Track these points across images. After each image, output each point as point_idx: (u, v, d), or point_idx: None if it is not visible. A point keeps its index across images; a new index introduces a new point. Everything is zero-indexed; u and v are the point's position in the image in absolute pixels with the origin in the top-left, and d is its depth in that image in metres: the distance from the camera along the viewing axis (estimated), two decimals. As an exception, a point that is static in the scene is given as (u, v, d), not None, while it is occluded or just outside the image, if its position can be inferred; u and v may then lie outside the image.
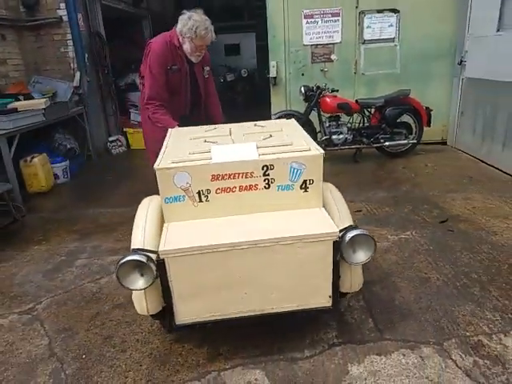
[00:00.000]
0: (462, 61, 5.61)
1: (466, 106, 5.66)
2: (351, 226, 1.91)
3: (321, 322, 2.31)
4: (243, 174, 1.93)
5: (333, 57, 5.99)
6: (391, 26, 5.86)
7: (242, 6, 11.50)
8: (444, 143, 6.28)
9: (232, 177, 1.93)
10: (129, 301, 2.49)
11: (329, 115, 5.45)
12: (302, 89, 5.40)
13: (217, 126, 2.56)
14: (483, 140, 5.22)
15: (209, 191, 1.94)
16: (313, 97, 5.34)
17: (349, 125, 5.44)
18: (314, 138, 5.08)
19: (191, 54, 2.95)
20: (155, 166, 1.91)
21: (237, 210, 1.99)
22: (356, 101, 5.44)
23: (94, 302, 2.67)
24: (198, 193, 1.94)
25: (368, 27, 5.87)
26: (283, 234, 1.80)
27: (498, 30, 4.80)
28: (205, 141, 2.15)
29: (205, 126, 2.57)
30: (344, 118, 5.44)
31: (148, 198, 2.36)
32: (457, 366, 1.96)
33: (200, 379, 1.99)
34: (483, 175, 4.72)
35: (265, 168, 1.92)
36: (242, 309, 1.92)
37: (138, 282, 1.89)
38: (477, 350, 2.05)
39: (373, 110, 5.50)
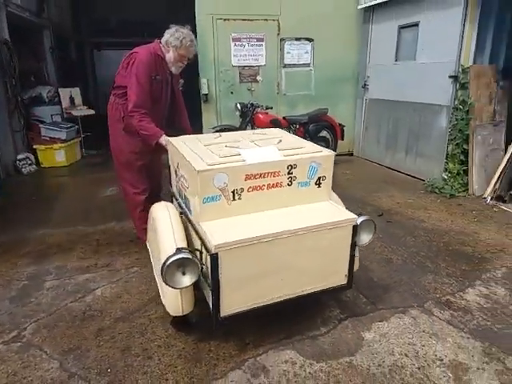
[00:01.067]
0: (365, 84, 6.61)
1: (370, 122, 6.65)
2: (358, 213, 2.27)
3: (321, 304, 2.62)
4: (271, 173, 2.16)
5: (258, 78, 6.48)
6: (307, 52, 6.62)
7: (156, 22, 11.36)
8: (351, 154, 7.22)
9: (262, 176, 2.14)
10: (129, 313, 2.50)
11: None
12: (238, 105, 5.75)
13: (220, 134, 2.72)
14: (387, 149, 6.22)
15: (242, 190, 2.12)
16: (248, 113, 5.72)
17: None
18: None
19: (173, 64, 3.05)
20: (197, 168, 1.99)
21: (264, 206, 2.20)
22: (284, 117, 5.99)
23: (88, 319, 2.54)
24: (233, 192, 2.10)
25: (288, 53, 6.53)
26: (314, 222, 2.08)
27: (396, 61, 5.84)
28: (226, 146, 2.31)
29: (210, 135, 2.71)
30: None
31: (161, 203, 2.41)
32: (440, 319, 2.46)
33: (240, 367, 2.11)
34: (394, 178, 5.64)
35: (289, 167, 2.19)
36: (279, 294, 2.12)
37: (184, 280, 1.97)
38: (448, 306, 2.59)
39: (298, 126, 6.10)
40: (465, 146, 4.75)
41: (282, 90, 6.67)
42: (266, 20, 6.34)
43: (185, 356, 2.20)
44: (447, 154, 4.96)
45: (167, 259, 1.93)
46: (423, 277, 2.94)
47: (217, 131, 5.42)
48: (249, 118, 5.74)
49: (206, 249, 1.95)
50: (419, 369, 2.06)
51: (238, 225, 2.07)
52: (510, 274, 2.95)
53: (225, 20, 6.15)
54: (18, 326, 2.48)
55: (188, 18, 8.25)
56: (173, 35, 2.94)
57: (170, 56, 3.00)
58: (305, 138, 6.01)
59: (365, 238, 2.29)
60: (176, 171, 2.52)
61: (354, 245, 2.21)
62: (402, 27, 5.67)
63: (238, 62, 6.35)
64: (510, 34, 4.72)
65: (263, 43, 6.38)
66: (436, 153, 5.15)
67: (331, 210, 2.25)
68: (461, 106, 4.71)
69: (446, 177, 4.92)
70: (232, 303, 2.02)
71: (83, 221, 4.14)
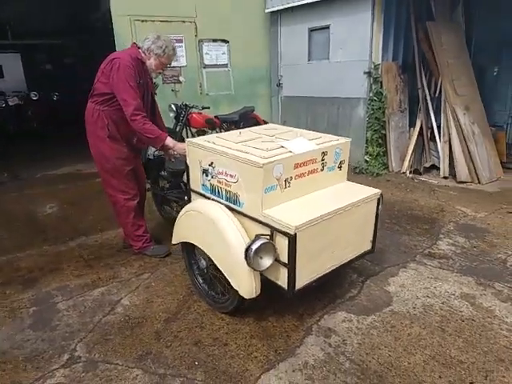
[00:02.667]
0: (279, 83, 7.21)
1: (287, 117, 7.29)
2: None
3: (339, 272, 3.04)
4: (311, 160, 2.47)
5: (181, 78, 6.53)
6: (224, 53, 6.91)
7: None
8: (271, 148, 7.78)
9: (305, 164, 2.43)
10: (174, 313, 2.60)
11: (196, 130, 5.99)
12: (173, 106, 5.75)
13: (241, 131, 2.89)
14: (310, 141, 6.93)
15: (291, 178, 2.38)
16: (183, 113, 5.77)
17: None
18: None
19: (154, 71, 3.11)
20: (262, 162, 2.18)
21: (306, 190, 2.49)
22: (216, 117, 6.19)
23: (137, 327, 2.51)
24: (285, 180, 2.35)
25: (207, 54, 6.73)
26: (355, 198, 2.47)
27: (309, 60, 6.54)
28: (262, 141, 2.53)
29: (230, 133, 2.86)
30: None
31: (203, 202, 2.50)
32: (433, 266, 3.10)
33: (310, 333, 2.40)
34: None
35: (322, 154, 2.53)
36: (331, 264, 2.46)
37: (265, 263, 2.17)
38: (432, 256, 3.27)
39: (229, 125, 6.37)
40: (382, 131, 5.67)
41: (204, 90, 6.85)
42: (184, 22, 6.44)
43: (256, 335, 2.39)
44: (367, 140, 5.84)
45: (251, 245, 2.11)
46: (401, 238, 3.59)
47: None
48: (184, 118, 5.80)
49: (281, 232, 2.17)
50: (443, 303, 2.64)
51: (295, 208, 2.33)
52: (459, 226, 3.80)
53: (143, 21, 6.07)
54: (64, 349, 2.33)
55: (97, 19, 7.87)
56: (155, 43, 2.99)
57: (150, 63, 3.05)
58: (237, 134, 6.36)
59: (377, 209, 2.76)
60: (207, 170, 2.62)
61: (377, 215, 2.66)
62: (312, 30, 6.38)
63: (161, 63, 6.31)
64: (405, 35, 5.77)
65: (183, 44, 6.46)
66: (356, 139, 5.97)
67: (358, 188, 2.67)
68: (375, 98, 5.61)
69: (367, 159, 5.80)
70: (303, 277, 2.29)
71: (44, 241, 3.79)
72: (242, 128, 6.23)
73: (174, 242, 2.80)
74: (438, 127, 5.56)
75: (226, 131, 6.27)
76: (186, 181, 3.20)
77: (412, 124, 5.88)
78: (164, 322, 2.55)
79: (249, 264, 2.13)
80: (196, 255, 2.80)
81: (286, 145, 2.44)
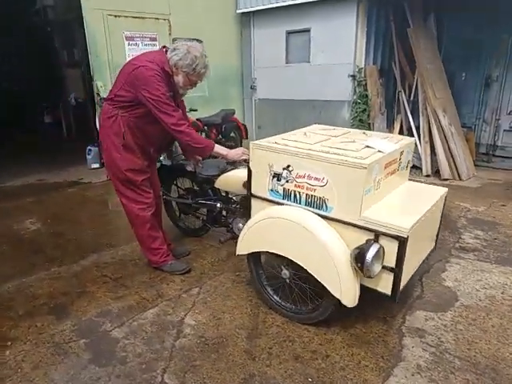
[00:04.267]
0: (253, 85, 7.13)
1: (263, 120, 7.24)
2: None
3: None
4: (394, 160, 2.44)
5: (156, 79, 6.14)
6: (198, 53, 6.64)
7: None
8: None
9: (390, 164, 2.40)
10: (251, 328, 2.44)
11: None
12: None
13: (305, 131, 2.76)
14: (288, 143, 6.94)
15: (381, 178, 2.33)
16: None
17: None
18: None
19: (182, 88, 2.77)
20: (364, 163, 2.09)
21: (387, 190, 2.46)
22: (198, 119, 5.93)
23: (221, 348, 2.27)
24: (378, 181, 2.30)
25: (181, 53, 6.41)
26: (436, 197, 2.50)
27: (287, 63, 6.56)
28: (341, 142, 2.44)
29: (294, 133, 2.72)
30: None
31: (290, 209, 2.35)
32: (471, 259, 3.26)
33: (403, 335, 2.37)
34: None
35: (401, 154, 2.52)
36: (417, 265, 2.46)
37: (376, 269, 2.10)
38: (465, 250, 3.43)
39: (211, 127, 6.15)
40: (367, 133, 5.85)
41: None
42: (158, 19, 6.11)
43: (353, 344, 2.29)
44: (351, 141, 5.99)
45: (365, 253, 2.02)
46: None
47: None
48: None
49: (389, 235, 2.09)
50: (503, 293, 2.77)
51: (390, 209, 2.27)
52: (470, 220, 4.05)
53: (116, 16, 5.62)
54: (149, 383, 2.01)
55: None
56: (183, 59, 2.60)
57: (178, 80, 2.68)
58: (219, 138, 6.15)
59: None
60: (279, 174, 2.45)
61: (442, 213, 2.72)
62: (290, 32, 6.41)
63: (134, 63, 5.91)
64: (383, 40, 6.05)
65: (156, 43, 6.12)
66: (340, 140, 6.12)
67: (425, 187, 2.73)
68: (359, 100, 5.79)
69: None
70: (404, 280, 2.25)
71: (49, 262, 3.29)
72: (224, 131, 6.17)
73: (241, 252, 2.59)
74: (417, 128, 5.89)
75: (206, 134, 6.07)
76: (217, 187, 3.15)
77: (388, 126, 6.17)
78: (247, 338, 2.34)
79: (365, 273, 2.03)
80: (261, 265, 2.63)
81: (371, 144, 2.38)
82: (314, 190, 2.33)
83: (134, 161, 2.80)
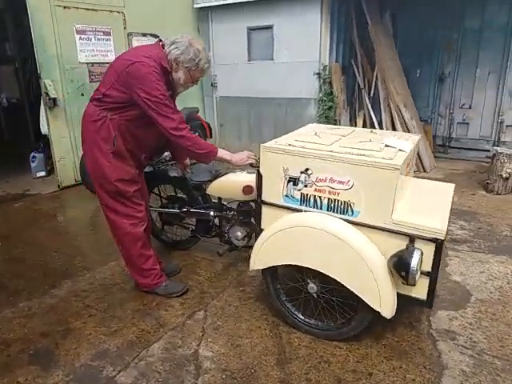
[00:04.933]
0: (213, 83, 6.81)
1: (225, 118, 6.94)
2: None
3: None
4: (410, 158, 2.34)
5: (108, 78, 5.62)
6: (153, 50, 6.19)
7: None
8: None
9: (408, 163, 2.29)
10: (278, 351, 2.24)
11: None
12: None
13: (316, 131, 2.54)
14: (251, 143, 6.71)
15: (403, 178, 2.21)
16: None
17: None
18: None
19: (182, 85, 2.45)
20: (396, 163, 1.94)
21: (405, 189, 2.34)
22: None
23: (252, 381, 2.00)
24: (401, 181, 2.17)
25: (135, 49, 5.94)
26: (450, 193, 2.44)
27: (249, 60, 6.33)
28: (360, 141, 2.28)
29: (305, 133, 2.50)
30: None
31: (307, 221, 2.14)
32: (467, 251, 3.28)
33: (435, 339, 2.28)
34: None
35: (413, 151, 2.42)
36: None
37: (417, 276, 1.96)
38: (457, 241, 3.45)
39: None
40: (333, 130, 5.82)
41: (134, 91, 6.04)
42: (111, 11, 5.56)
43: (390, 356, 2.15)
44: (317, 138, 5.93)
45: (410, 260, 1.87)
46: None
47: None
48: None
49: (425, 238, 1.96)
50: (508, 283, 2.81)
51: (416, 209, 2.14)
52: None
53: (65, 8, 5.01)
54: None
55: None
56: (185, 53, 2.31)
57: (178, 77, 2.38)
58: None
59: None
60: (296, 178, 2.23)
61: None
62: (252, 29, 6.18)
63: (86, 59, 5.32)
64: (344, 37, 6.04)
65: (111, 37, 5.58)
66: (306, 138, 6.04)
67: (434, 183, 2.65)
68: (325, 98, 5.73)
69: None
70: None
71: (12, 296, 2.78)
72: (192, 128, 5.80)
73: (256, 267, 2.33)
74: (379, 123, 5.98)
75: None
76: (209, 193, 2.94)
77: (350, 122, 6.20)
78: (277, 365, 2.09)
79: (411, 281, 1.88)
80: (278, 280, 2.40)
81: (389, 143, 2.25)
82: (338, 193, 2.14)
83: (125, 169, 2.44)
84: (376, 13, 5.94)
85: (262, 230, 2.41)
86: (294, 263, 2.21)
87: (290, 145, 2.26)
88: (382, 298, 2.01)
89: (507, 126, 5.74)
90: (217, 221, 3.01)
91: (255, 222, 2.47)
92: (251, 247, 2.91)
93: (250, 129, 6.71)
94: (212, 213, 2.99)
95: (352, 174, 2.06)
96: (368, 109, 6.06)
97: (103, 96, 2.34)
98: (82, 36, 5.20)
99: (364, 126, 6.05)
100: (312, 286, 2.25)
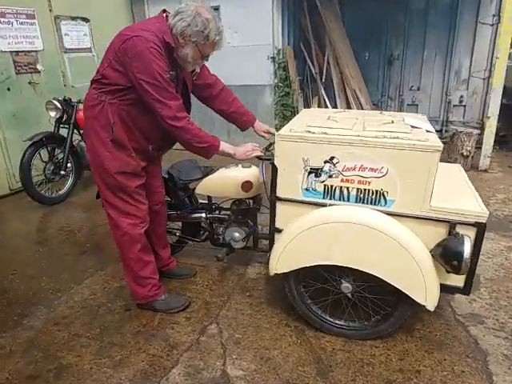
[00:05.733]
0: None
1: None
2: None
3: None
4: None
5: (39, 67, 4.87)
6: (86, 35, 5.52)
7: None
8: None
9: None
10: (314, 359, 2.10)
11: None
12: (56, 103, 4.25)
13: (329, 115, 2.31)
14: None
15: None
16: (70, 112, 4.37)
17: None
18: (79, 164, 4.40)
19: (189, 63, 2.10)
20: (437, 145, 1.81)
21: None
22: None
23: None
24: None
25: (66, 35, 5.21)
26: (463, 174, 2.39)
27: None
28: (384, 123, 2.11)
29: (316, 116, 2.27)
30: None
31: (340, 216, 1.95)
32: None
33: (466, 326, 2.24)
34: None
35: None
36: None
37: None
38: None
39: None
40: (292, 117, 5.66)
41: (69, 81, 5.32)
42: (33, -10, 4.81)
43: (430, 349, 2.06)
44: (276, 128, 5.75)
45: (461, 248, 1.76)
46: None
47: (36, 141, 3.97)
48: (73, 118, 4.38)
49: (467, 224, 1.86)
50: (506, 259, 2.88)
51: (445, 193, 2.04)
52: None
53: (-23, -16, 4.21)
54: None
55: None
56: (192, 25, 1.94)
57: (185, 53, 2.02)
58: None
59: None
60: (319, 169, 2.02)
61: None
62: (195, 11, 5.75)
63: (10, 47, 4.53)
64: (293, 20, 5.88)
65: (35, 21, 4.82)
66: (264, 127, 5.83)
67: (442, 165, 2.59)
68: (281, 84, 5.55)
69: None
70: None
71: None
72: None
73: (281, 270, 2.09)
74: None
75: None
76: (199, 192, 2.64)
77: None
78: (320, 376, 1.89)
79: (463, 270, 1.78)
80: (302, 282, 2.18)
81: (414, 124, 2.13)
82: (369, 182, 1.97)
83: (126, 161, 2.12)
84: (325, -4, 5.86)
85: (276, 230, 2.18)
86: (328, 263, 2.00)
87: (309, 132, 2.03)
88: (427, 290, 1.89)
89: (454, 105, 6.04)
90: (207, 222, 2.72)
91: (269, 222, 2.21)
92: (249, 248, 2.71)
93: (201, 120, 6.30)
94: (203, 214, 2.69)
95: (387, 159, 1.90)
96: (322, 94, 6.01)
97: (101, 77, 2.02)
98: (2, 19, 4.42)
99: (320, 111, 5.99)
100: (347, 286, 2.06)
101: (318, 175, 2.03)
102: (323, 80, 6.06)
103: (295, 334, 2.18)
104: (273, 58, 5.48)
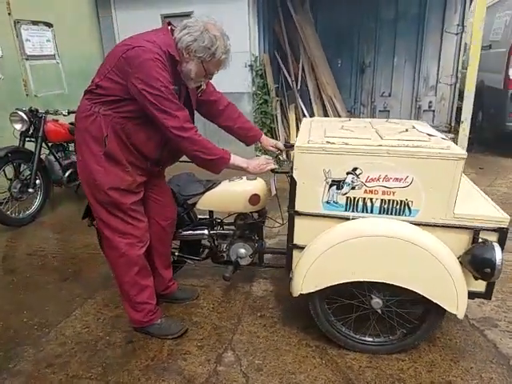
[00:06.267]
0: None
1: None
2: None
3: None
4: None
5: (-2, 75, 4.49)
6: (49, 41, 5.18)
7: None
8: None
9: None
10: (345, 381, 2.00)
11: (51, 145, 4.28)
12: (22, 114, 3.88)
13: (342, 124, 2.22)
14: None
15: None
16: (37, 124, 4.02)
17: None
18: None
19: (193, 79, 1.97)
20: (461, 153, 1.77)
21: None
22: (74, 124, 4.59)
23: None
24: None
25: (27, 40, 4.86)
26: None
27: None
28: (399, 132, 2.06)
29: (330, 126, 2.17)
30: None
31: (371, 229, 1.87)
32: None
33: (483, 331, 2.21)
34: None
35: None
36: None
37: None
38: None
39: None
40: (271, 125, 5.60)
41: (31, 90, 4.96)
42: (-11, -8, 4.43)
43: (454, 357, 2.02)
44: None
45: (493, 255, 1.73)
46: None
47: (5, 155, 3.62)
48: (41, 131, 4.03)
49: (490, 230, 1.84)
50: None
51: (461, 199, 2.04)
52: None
53: None
54: None
55: None
56: (198, 40, 1.83)
57: (189, 69, 1.90)
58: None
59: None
60: (342, 181, 1.92)
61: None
62: (167, 17, 5.55)
63: (-35, 54, 4.16)
64: (268, 28, 5.82)
65: (-7, 26, 4.46)
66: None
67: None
68: (259, 92, 5.47)
69: (259, 154, 5.65)
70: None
71: None
72: None
73: (307, 290, 1.94)
74: (311, 116, 5.95)
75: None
76: (201, 208, 2.48)
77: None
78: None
79: (495, 277, 1.75)
80: (325, 300, 2.06)
81: (431, 132, 2.10)
82: (393, 193, 1.91)
83: (120, 176, 1.96)
84: (298, 3, 5.86)
85: (294, 247, 2.06)
86: (359, 279, 1.90)
87: (329, 142, 1.94)
88: (459, 300, 1.86)
89: (424, 110, 6.23)
90: (210, 239, 2.55)
91: (287, 238, 2.07)
92: (255, 264, 2.57)
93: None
94: (206, 231, 2.52)
95: (411, 168, 1.85)
96: (298, 101, 5.99)
97: (96, 87, 1.87)
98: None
99: (297, 119, 5.97)
100: (377, 302, 1.97)
101: (339, 187, 1.94)
102: (298, 87, 6.04)
103: (318, 353, 2.06)
104: (250, 65, 5.38)
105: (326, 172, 1.92)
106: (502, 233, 1.83)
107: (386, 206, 1.93)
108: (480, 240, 1.85)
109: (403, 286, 1.85)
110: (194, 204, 2.49)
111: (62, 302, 2.57)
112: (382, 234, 1.84)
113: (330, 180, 1.93)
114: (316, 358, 2.04)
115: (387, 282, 1.87)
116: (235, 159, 2.07)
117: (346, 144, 1.90)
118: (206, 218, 2.58)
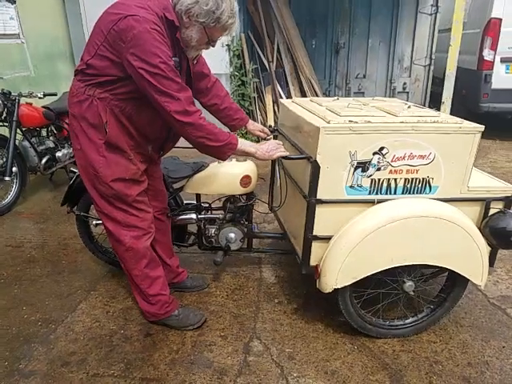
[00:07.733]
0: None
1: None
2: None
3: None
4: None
5: (-45, 55, 4.06)
6: (12, 18, 4.73)
7: None
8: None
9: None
10: (382, 367, 1.93)
11: (25, 130, 3.98)
12: (-4, 97, 3.56)
13: (347, 104, 2.15)
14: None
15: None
16: (12, 108, 3.71)
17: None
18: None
19: (194, 47, 1.77)
20: (478, 126, 1.81)
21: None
22: (47, 107, 4.24)
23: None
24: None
25: (-13, 16, 4.41)
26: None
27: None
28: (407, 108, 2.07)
29: (335, 105, 2.11)
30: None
31: (411, 211, 1.84)
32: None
33: (487, 304, 2.30)
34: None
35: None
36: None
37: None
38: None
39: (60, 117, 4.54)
40: (250, 108, 5.49)
41: (-6, 72, 4.55)
42: None
43: (485, 337, 2.08)
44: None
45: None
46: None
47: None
48: (15, 115, 3.71)
49: (499, 200, 1.91)
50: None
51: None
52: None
53: None
54: None
55: None
56: (202, 2, 1.60)
57: (190, 36, 1.70)
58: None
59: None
60: (367, 162, 1.86)
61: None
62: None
63: None
64: (242, 6, 5.64)
65: None
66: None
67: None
68: (236, 73, 5.32)
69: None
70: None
71: None
72: None
73: (342, 284, 1.86)
74: (287, 98, 5.89)
75: (59, 128, 4.50)
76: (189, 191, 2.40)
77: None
78: (395, 383, 1.79)
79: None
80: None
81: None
82: (417, 171, 1.91)
83: (124, 166, 1.81)
84: (273, -19, 5.71)
85: (314, 237, 1.93)
86: (399, 264, 1.87)
87: (351, 121, 1.87)
88: (484, 270, 1.92)
89: (398, 92, 6.34)
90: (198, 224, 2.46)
91: (305, 228, 1.93)
92: (244, 249, 2.47)
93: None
94: (194, 216, 2.42)
95: (434, 144, 1.85)
96: (275, 83, 5.89)
97: (87, 67, 1.67)
98: None
99: (273, 102, 5.88)
100: (410, 285, 1.96)
101: (364, 169, 1.89)
102: (274, 69, 5.94)
103: (348, 339, 2.04)
104: (228, 45, 5.21)
105: (352, 154, 1.85)
106: (507, 202, 1.91)
107: (408, 186, 1.92)
108: (496, 210, 1.91)
109: (439, 265, 1.88)
110: (181, 188, 2.38)
111: (62, 296, 2.39)
112: (420, 215, 1.82)
113: (355, 162, 1.86)
114: (347, 343, 2.02)
115: (426, 264, 1.88)
116: (243, 144, 1.90)
117: (369, 122, 1.84)
118: (192, 203, 2.48)
